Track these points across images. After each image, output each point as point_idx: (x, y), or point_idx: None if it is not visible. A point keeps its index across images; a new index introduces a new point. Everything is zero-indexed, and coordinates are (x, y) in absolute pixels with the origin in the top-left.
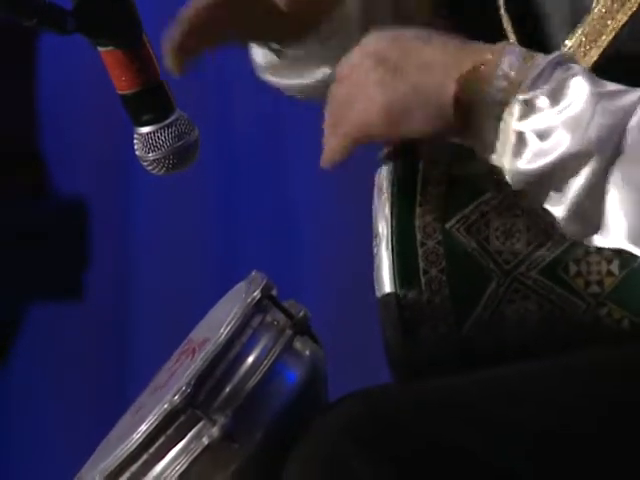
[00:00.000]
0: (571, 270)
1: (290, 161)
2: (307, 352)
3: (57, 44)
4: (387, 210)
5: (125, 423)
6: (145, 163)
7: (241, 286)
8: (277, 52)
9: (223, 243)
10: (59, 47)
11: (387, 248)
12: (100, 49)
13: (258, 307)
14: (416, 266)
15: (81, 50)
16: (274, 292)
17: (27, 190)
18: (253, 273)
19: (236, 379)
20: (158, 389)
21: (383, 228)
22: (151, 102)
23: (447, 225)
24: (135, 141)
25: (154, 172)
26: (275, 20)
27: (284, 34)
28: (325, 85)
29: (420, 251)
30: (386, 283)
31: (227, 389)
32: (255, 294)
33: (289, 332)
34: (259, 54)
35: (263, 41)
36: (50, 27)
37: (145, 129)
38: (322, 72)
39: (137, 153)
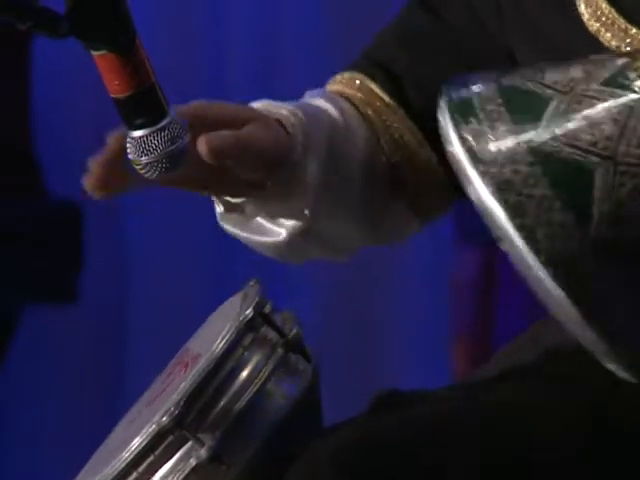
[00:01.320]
0: None
1: None
2: (299, 372)
3: (51, 48)
4: None
5: (120, 434)
6: (138, 167)
7: (236, 299)
8: (227, 204)
9: (218, 245)
10: (53, 51)
11: None
12: (93, 53)
13: (250, 325)
14: None
15: (74, 54)
16: (267, 309)
17: (21, 192)
18: (250, 284)
19: (226, 400)
20: (152, 401)
21: None
22: (144, 106)
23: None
24: (128, 145)
25: (147, 176)
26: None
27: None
28: (290, 246)
29: None
30: None
31: (216, 410)
32: (247, 312)
33: (281, 351)
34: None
35: (205, 192)
36: (43, 31)
37: (138, 133)
38: (287, 232)
39: (130, 157)
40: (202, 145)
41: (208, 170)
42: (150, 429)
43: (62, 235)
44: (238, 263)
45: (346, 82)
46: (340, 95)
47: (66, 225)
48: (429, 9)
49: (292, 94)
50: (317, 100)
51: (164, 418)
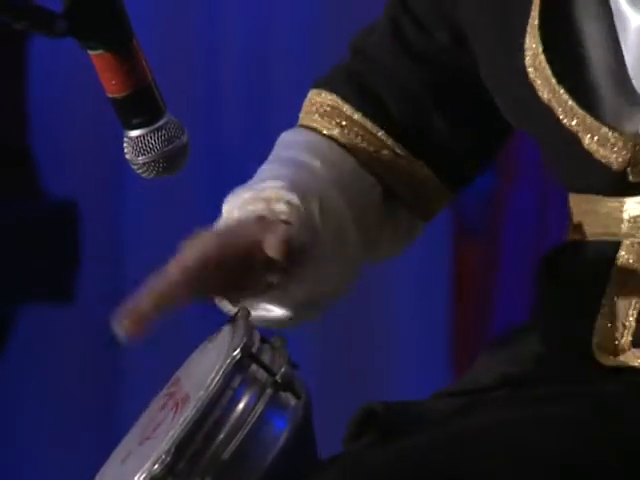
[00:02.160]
0: None
1: None
2: (289, 409)
3: (48, 47)
4: None
5: (112, 471)
6: (135, 166)
7: (225, 332)
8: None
9: None
10: (50, 50)
11: None
12: (90, 52)
13: (238, 366)
14: None
15: (71, 53)
16: (255, 347)
17: (18, 191)
18: (239, 314)
19: (216, 444)
20: (145, 440)
21: None
22: (141, 106)
23: None
24: (125, 144)
25: (144, 175)
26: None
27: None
28: (296, 319)
29: None
30: None
31: (207, 455)
32: (235, 353)
33: (270, 391)
34: None
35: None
36: (41, 30)
37: (135, 132)
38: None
39: (127, 156)
40: (276, 248)
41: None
42: (142, 477)
43: (59, 234)
44: None
45: (318, 109)
46: (316, 132)
47: (63, 224)
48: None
49: (286, 94)
50: (303, 157)
51: (155, 466)
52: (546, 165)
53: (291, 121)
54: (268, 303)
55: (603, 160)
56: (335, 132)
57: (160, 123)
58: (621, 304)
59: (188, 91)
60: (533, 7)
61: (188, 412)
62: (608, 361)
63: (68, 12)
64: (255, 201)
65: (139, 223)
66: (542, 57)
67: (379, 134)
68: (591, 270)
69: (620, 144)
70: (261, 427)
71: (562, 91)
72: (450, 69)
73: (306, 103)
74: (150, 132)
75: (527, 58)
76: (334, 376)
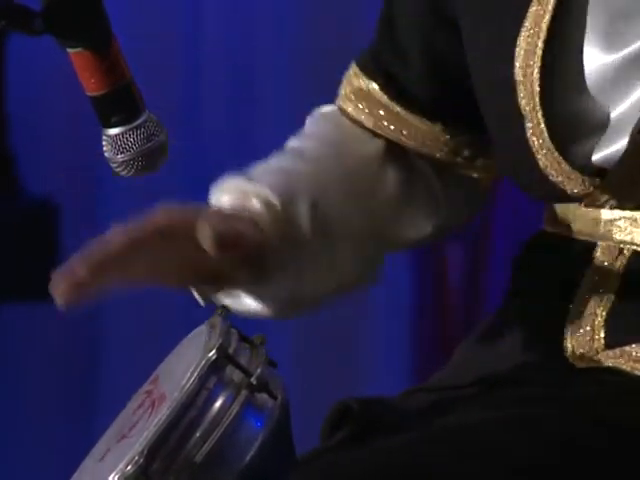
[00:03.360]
0: None
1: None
2: (265, 410)
3: (26, 45)
4: None
5: (90, 468)
6: (114, 165)
7: (203, 332)
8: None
9: None
10: (28, 48)
11: None
12: (69, 50)
13: (214, 367)
14: None
15: (50, 51)
16: (232, 348)
17: None
18: (218, 312)
19: (190, 445)
20: (122, 438)
21: None
22: (120, 104)
23: None
24: (104, 143)
25: (123, 174)
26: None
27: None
28: (276, 315)
29: None
30: None
31: (181, 456)
32: (211, 354)
33: (245, 392)
34: None
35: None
36: (19, 28)
37: (114, 130)
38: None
39: (106, 155)
40: (207, 238)
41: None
42: (115, 478)
43: (38, 233)
44: None
45: (353, 92)
46: (346, 115)
47: (42, 223)
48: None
49: (267, 92)
50: (319, 149)
51: (128, 467)
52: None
53: (271, 119)
54: (247, 296)
55: (558, 184)
56: (364, 119)
57: (139, 121)
58: (593, 304)
59: (167, 89)
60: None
61: (162, 413)
62: (581, 363)
63: (46, 10)
64: (234, 191)
65: (118, 222)
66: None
67: (402, 113)
68: (565, 268)
69: (574, 175)
70: (236, 428)
71: (539, 107)
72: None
73: (347, 79)
74: (129, 130)
75: (518, 60)
76: (308, 373)
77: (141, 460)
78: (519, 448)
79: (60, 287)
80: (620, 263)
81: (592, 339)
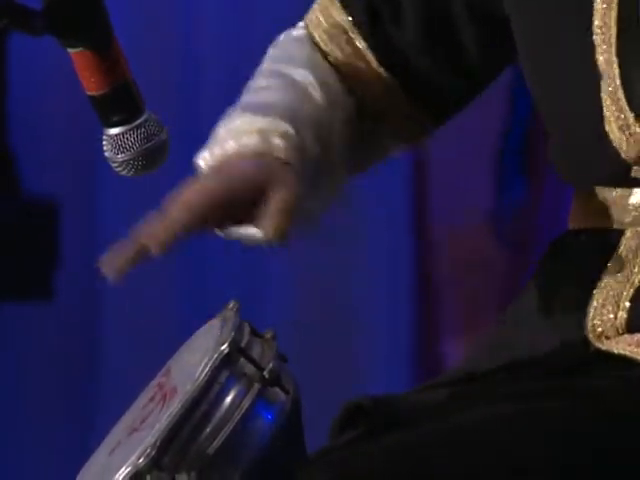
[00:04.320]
0: None
1: None
2: (277, 404)
3: (27, 44)
4: None
5: (101, 461)
6: (114, 164)
7: (215, 325)
8: None
9: (192, 242)
10: (29, 47)
11: None
12: (70, 50)
13: (226, 361)
14: None
15: (51, 51)
16: (244, 341)
17: None
18: (229, 306)
19: (202, 438)
20: (133, 431)
21: None
22: (120, 103)
23: None
24: (104, 142)
25: (123, 173)
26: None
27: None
28: None
29: None
30: None
31: (193, 449)
32: (223, 347)
33: (258, 385)
34: None
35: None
36: (20, 28)
37: (114, 130)
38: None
39: (106, 154)
40: (274, 236)
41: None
42: (127, 470)
43: (38, 233)
44: (213, 261)
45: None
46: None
47: (42, 223)
48: None
49: None
50: (299, 76)
51: (140, 460)
52: (554, 157)
53: None
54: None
55: (615, 144)
56: (334, 54)
57: (139, 121)
58: (618, 286)
59: (167, 89)
60: None
61: (175, 406)
62: (601, 343)
63: (48, 10)
64: (250, 132)
65: (118, 222)
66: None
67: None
68: (591, 253)
69: (637, 136)
70: (248, 422)
71: (615, 62)
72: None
73: (317, 7)
74: (129, 130)
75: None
76: (313, 370)
77: (153, 452)
78: (522, 446)
79: (116, 259)
80: None
81: (615, 317)
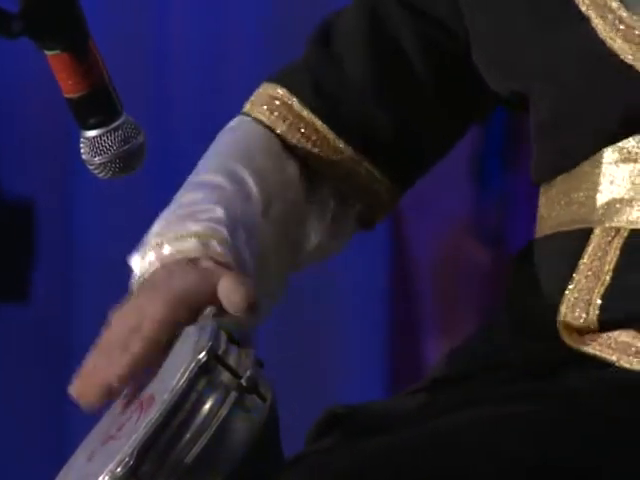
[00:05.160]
0: None
1: None
2: (254, 411)
3: (4, 47)
4: None
5: (78, 468)
6: (91, 167)
7: (193, 332)
8: None
9: None
10: (5, 50)
11: None
12: (47, 52)
13: (204, 369)
14: None
15: (28, 53)
16: (222, 349)
17: None
18: (205, 312)
19: (180, 447)
20: (109, 439)
21: None
22: (97, 106)
23: None
24: (81, 145)
25: (100, 176)
26: None
27: None
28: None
29: None
30: None
31: (171, 458)
32: (201, 356)
33: (235, 394)
34: None
35: None
36: None
37: (91, 133)
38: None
39: (83, 157)
40: (243, 305)
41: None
42: (105, 479)
43: (14, 233)
44: None
45: (272, 104)
46: (272, 132)
47: (18, 224)
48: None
49: (241, 96)
50: (238, 170)
51: (118, 469)
52: (538, 140)
53: None
54: None
55: (615, 48)
56: (279, 127)
57: (117, 123)
58: (589, 284)
59: (143, 91)
60: None
61: (152, 415)
62: (573, 342)
63: (24, 12)
64: (187, 236)
65: (95, 223)
66: None
67: (328, 135)
68: (561, 253)
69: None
70: (226, 430)
71: None
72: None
73: (256, 94)
74: (107, 132)
75: None
76: (287, 374)
77: (131, 462)
78: (506, 449)
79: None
80: (617, 244)
81: (587, 315)
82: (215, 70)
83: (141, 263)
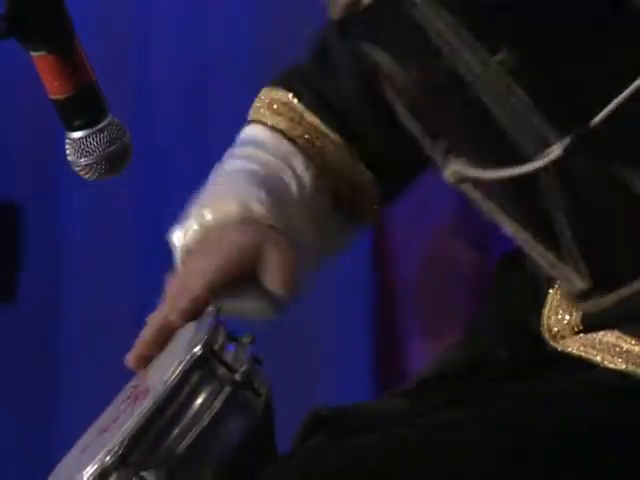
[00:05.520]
0: None
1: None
2: (248, 407)
3: None
4: None
5: (74, 459)
6: (77, 168)
7: (190, 328)
8: None
9: (155, 246)
10: None
11: None
12: (33, 54)
13: (199, 362)
14: None
15: (13, 54)
16: (218, 344)
17: None
18: (208, 309)
19: (171, 438)
20: (105, 430)
21: None
22: (83, 107)
23: None
24: (67, 146)
25: (86, 177)
26: None
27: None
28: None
29: None
30: None
31: (161, 449)
32: (196, 349)
33: (229, 388)
34: None
35: None
36: None
37: (77, 134)
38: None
39: (69, 158)
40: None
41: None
42: (94, 467)
43: (1, 235)
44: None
45: (272, 107)
46: (276, 130)
47: (4, 226)
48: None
49: (225, 97)
50: (274, 165)
51: (107, 457)
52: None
53: (229, 123)
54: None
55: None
56: (283, 126)
57: (102, 125)
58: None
59: (128, 93)
60: None
61: (144, 406)
62: (557, 344)
63: (10, 13)
64: (227, 200)
65: (81, 225)
66: None
67: (330, 134)
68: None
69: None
70: (218, 423)
71: None
72: None
73: (259, 98)
74: (92, 134)
75: None
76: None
77: (120, 451)
78: (484, 448)
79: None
80: None
81: (570, 316)
82: (201, 71)
83: (185, 235)
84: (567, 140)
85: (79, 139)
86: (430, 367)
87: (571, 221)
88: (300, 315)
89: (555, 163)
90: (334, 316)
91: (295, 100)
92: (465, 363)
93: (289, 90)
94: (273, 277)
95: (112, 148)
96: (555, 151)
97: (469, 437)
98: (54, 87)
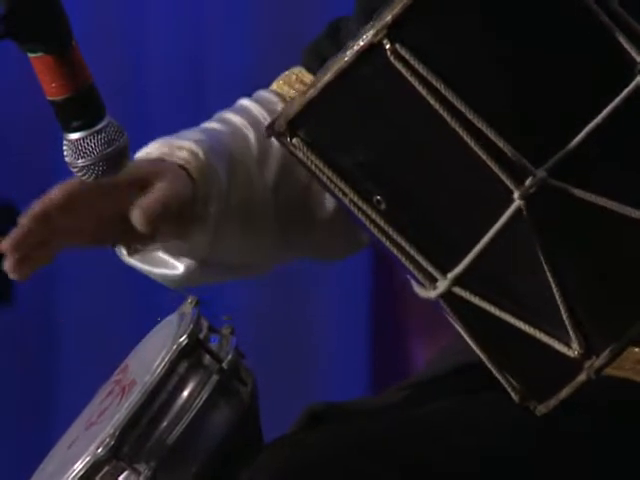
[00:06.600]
0: None
1: None
2: (235, 395)
3: None
4: None
5: (60, 456)
6: (75, 169)
7: (173, 319)
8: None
9: None
10: None
11: None
12: (30, 55)
13: (185, 352)
14: None
15: (10, 55)
16: (203, 333)
17: None
18: (188, 301)
19: (161, 429)
20: (91, 425)
21: None
22: (81, 108)
23: None
24: (65, 147)
25: (84, 178)
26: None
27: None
28: (189, 278)
29: None
30: None
31: (152, 439)
32: (182, 339)
33: (216, 377)
34: None
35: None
36: None
37: (74, 135)
38: (186, 265)
39: (67, 159)
40: (139, 219)
41: (116, 227)
42: (86, 460)
43: None
44: None
45: (285, 80)
46: (277, 94)
47: (3, 226)
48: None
49: (223, 96)
50: (241, 116)
51: (99, 450)
52: None
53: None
54: (165, 253)
55: None
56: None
57: (100, 126)
58: None
59: (124, 94)
60: None
61: (134, 397)
62: None
63: (7, 15)
64: (161, 145)
65: None
66: None
67: None
68: None
69: None
70: (206, 413)
71: None
72: None
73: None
74: (90, 135)
75: None
76: (269, 365)
77: (112, 442)
78: (456, 434)
79: (10, 259)
80: None
81: None
82: (196, 71)
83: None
84: None
85: (77, 140)
86: (429, 367)
87: None
88: (300, 315)
89: None
90: (334, 316)
91: (304, 70)
92: (452, 364)
93: (303, 65)
94: (136, 209)
95: (110, 149)
96: None
97: (467, 419)
98: (52, 88)
